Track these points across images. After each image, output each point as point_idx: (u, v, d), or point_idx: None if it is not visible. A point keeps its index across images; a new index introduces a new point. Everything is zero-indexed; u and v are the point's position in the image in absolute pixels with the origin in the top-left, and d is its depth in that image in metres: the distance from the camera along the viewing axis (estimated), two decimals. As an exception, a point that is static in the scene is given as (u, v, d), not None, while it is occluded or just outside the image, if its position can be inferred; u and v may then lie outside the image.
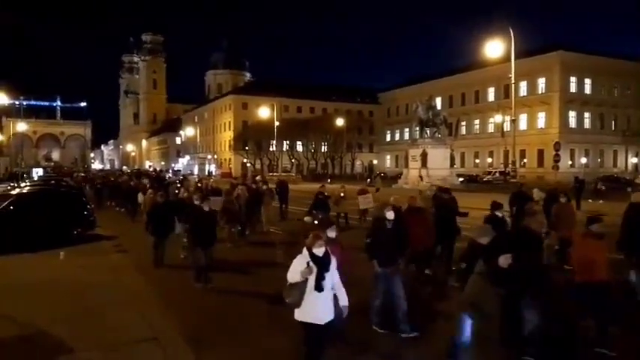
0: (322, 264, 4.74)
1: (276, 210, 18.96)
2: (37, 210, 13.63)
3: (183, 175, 45.45)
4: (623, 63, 60.99)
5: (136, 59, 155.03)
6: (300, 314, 4.79)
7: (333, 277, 4.87)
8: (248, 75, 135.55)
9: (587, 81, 60.69)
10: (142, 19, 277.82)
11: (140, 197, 19.00)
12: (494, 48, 28.95)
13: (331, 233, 5.89)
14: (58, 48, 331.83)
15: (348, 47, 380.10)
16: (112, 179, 32.56)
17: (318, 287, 4.69)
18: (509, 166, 36.48)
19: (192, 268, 9.17)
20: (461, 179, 47.98)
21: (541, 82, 60.21)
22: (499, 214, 8.68)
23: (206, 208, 9.20)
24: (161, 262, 10.80)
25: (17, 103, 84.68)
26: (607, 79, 61.08)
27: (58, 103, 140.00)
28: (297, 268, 4.70)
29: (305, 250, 4.81)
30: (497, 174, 51.41)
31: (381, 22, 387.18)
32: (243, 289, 9.00)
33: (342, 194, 17.32)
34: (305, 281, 4.65)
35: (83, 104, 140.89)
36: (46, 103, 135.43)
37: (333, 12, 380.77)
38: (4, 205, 13.68)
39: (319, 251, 4.77)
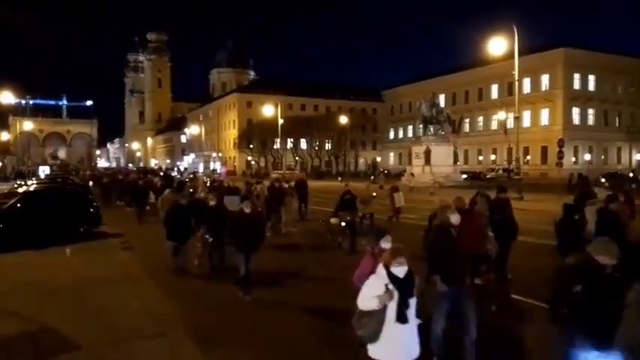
0: (405, 287, 3.76)
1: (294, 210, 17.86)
2: (43, 208, 13.65)
3: (192, 173, 43.99)
4: (626, 60, 60.59)
5: (141, 58, 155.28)
6: (376, 351, 3.80)
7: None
8: (252, 73, 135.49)
9: (591, 78, 60.29)
10: (146, 19, 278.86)
11: (152, 196, 18.64)
12: (497, 45, 28.92)
13: (385, 244, 4.85)
14: (64, 47, 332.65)
15: (350, 46, 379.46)
16: (121, 177, 31.76)
17: (401, 318, 3.71)
18: (513, 162, 36.37)
19: (235, 278, 8.20)
20: (464, 176, 47.90)
21: (545, 79, 59.89)
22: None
23: (247, 210, 8.28)
24: (182, 269, 9.90)
25: (23, 102, 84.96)
26: (610, 76, 60.67)
27: (64, 101, 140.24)
28: (372, 292, 3.73)
29: (381, 269, 3.86)
30: (501, 171, 51.24)
31: (383, 20, 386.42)
32: (256, 295, 8.05)
33: (374, 193, 16.03)
34: (382, 310, 3.70)
35: (89, 103, 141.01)
36: (53, 102, 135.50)
37: (335, 10, 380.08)
38: (11, 202, 13.72)
39: (400, 271, 3.77)
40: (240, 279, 8.08)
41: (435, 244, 5.71)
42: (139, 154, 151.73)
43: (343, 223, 11.68)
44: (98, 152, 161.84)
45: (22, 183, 27.44)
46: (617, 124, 62.36)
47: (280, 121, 62.80)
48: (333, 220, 11.95)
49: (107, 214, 17.82)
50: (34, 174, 53.18)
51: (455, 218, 5.75)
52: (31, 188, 18.70)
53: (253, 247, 8.12)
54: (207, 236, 9.84)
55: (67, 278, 9.51)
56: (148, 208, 18.74)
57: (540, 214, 18.06)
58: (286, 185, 16.54)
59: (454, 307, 5.33)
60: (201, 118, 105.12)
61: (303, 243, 13.21)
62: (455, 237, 5.60)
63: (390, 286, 3.70)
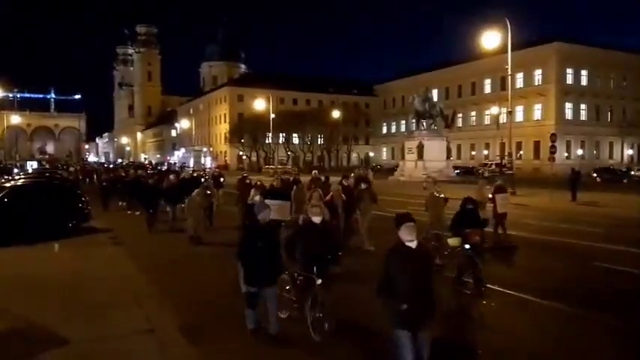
0: None
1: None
2: (30, 202, 13.52)
3: (217, 170, 35.49)
4: (618, 54, 61.00)
5: (130, 51, 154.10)
6: None
7: None
8: (243, 67, 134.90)
9: (584, 72, 60.64)
10: (136, 11, 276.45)
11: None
12: (490, 39, 28.97)
13: None
14: (52, 39, 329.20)
15: (343, 40, 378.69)
16: (123, 174, 26.34)
17: None
18: (506, 157, 36.56)
19: None
20: (457, 171, 48.15)
21: (537, 74, 60.15)
22: None
23: (414, 244, 4.29)
24: (268, 334, 6.00)
25: (11, 95, 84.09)
26: (603, 71, 61.07)
27: (52, 95, 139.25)
28: None
29: None
30: (494, 166, 51.54)
31: (376, 14, 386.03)
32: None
33: (489, 195, 12.32)
34: None
35: (78, 96, 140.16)
36: (40, 96, 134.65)
37: (327, 4, 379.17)
38: (-3, 197, 13.56)
39: None
40: None
41: None
42: (128, 148, 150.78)
43: (468, 246, 7.73)
44: (87, 147, 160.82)
45: (9, 178, 27.08)
46: (609, 119, 62.81)
47: (272, 116, 62.63)
48: (452, 242, 7.94)
49: (105, 217, 17.47)
50: (22, 168, 52.64)
51: None
52: (19, 183, 18.50)
53: (427, 318, 4.34)
54: (313, 277, 6.00)
55: (56, 273, 9.45)
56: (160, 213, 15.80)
57: (536, 210, 18.18)
58: (364, 186, 11.96)
59: None
60: (191, 112, 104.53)
61: None
62: None
63: None
